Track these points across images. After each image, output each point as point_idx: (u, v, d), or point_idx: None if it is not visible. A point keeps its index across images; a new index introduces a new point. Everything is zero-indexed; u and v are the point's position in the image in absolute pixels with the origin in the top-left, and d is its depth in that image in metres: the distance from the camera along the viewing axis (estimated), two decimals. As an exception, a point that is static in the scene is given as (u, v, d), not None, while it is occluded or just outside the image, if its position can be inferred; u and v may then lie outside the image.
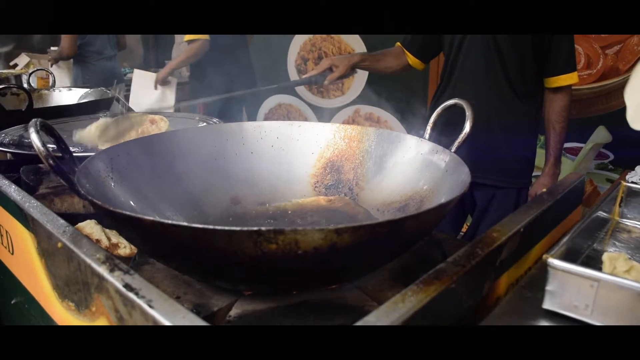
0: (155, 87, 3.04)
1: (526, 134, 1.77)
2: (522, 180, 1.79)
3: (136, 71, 3.18)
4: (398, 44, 1.91)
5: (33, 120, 0.72)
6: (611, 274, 0.65)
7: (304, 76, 1.81)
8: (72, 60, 3.33)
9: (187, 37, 2.93)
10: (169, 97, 3.08)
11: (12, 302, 0.94)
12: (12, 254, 0.89)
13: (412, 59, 1.89)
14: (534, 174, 1.83)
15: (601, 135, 2.37)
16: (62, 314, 0.73)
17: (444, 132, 1.07)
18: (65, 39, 3.10)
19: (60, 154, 0.82)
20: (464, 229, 2.04)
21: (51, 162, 0.69)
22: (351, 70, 1.78)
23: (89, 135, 1.25)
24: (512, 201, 1.77)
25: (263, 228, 0.57)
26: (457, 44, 1.71)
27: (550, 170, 1.74)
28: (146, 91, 3.06)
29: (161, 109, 2.93)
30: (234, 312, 0.73)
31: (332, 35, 3.63)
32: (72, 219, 1.00)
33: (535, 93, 1.72)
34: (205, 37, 2.94)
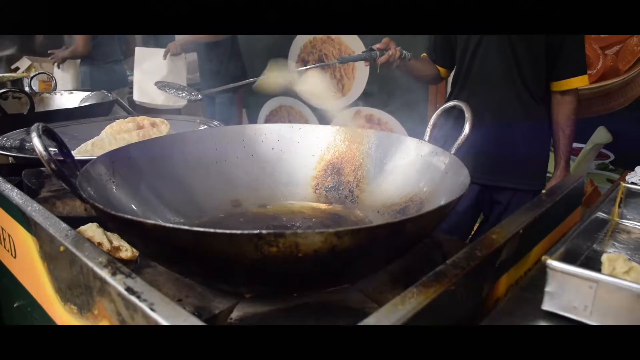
0: (165, 56, 2.84)
1: (543, 136, 1.78)
2: (539, 182, 1.80)
3: (138, 49, 2.95)
4: (424, 55, 1.93)
5: (35, 124, 0.72)
6: (610, 275, 0.66)
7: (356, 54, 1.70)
8: (78, 62, 3.33)
9: None
10: (182, 71, 2.87)
11: (15, 305, 0.94)
12: (15, 257, 0.89)
13: (439, 68, 1.91)
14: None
15: (601, 135, 2.37)
16: (65, 317, 0.73)
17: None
18: (80, 37, 3.09)
19: (62, 158, 0.82)
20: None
21: (53, 166, 0.69)
22: (400, 55, 1.67)
23: (85, 152, 1.24)
24: None
25: (264, 231, 0.57)
26: (472, 48, 1.72)
27: (561, 173, 1.76)
28: (154, 66, 2.84)
29: (174, 86, 2.83)
30: (235, 314, 0.73)
31: (332, 37, 3.63)
32: (74, 222, 1.00)
33: (547, 96, 1.73)
34: None
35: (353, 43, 3.55)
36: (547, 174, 1.85)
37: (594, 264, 0.74)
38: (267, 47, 3.83)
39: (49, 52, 3.21)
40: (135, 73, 2.88)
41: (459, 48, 1.77)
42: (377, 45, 1.61)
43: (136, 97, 2.83)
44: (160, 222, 0.59)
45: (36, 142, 0.69)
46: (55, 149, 0.83)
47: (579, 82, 1.67)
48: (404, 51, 1.66)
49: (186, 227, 0.59)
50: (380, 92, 3.40)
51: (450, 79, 1.97)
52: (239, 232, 0.57)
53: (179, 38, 2.90)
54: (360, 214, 1.04)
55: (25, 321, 0.93)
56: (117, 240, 0.96)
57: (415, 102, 3.18)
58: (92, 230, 1.00)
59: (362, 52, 1.62)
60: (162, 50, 2.84)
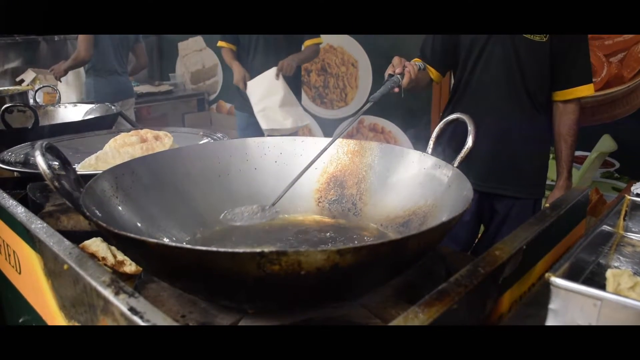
0: (277, 76, 2.61)
1: (543, 144, 1.78)
2: (539, 190, 1.80)
3: (250, 83, 2.68)
4: (416, 59, 1.83)
5: (38, 143, 0.73)
6: (615, 291, 0.65)
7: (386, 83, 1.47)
8: (83, 74, 3.35)
9: (306, 42, 2.81)
10: (293, 95, 2.67)
11: (20, 321, 0.95)
12: (20, 273, 0.89)
13: (433, 73, 1.84)
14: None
15: (606, 143, 2.36)
16: (68, 335, 0.73)
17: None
18: (82, 42, 3.07)
19: (65, 173, 0.82)
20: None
21: (56, 184, 0.70)
22: (417, 69, 1.56)
23: (90, 166, 1.25)
24: (529, 212, 1.78)
25: (266, 250, 0.57)
26: (475, 55, 1.71)
27: (564, 183, 1.75)
28: (269, 90, 2.62)
29: (297, 118, 2.63)
30: (238, 330, 0.73)
31: (335, 47, 3.65)
32: (79, 236, 1.01)
33: (549, 104, 1.73)
34: (319, 40, 2.81)
35: (355, 52, 3.57)
36: (550, 182, 1.85)
37: (598, 279, 0.74)
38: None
39: (49, 70, 3.21)
40: (255, 105, 2.69)
41: (461, 55, 1.76)
42: (395, 71, 1.48)
43: (264, 126, 2.66)
44: (163, 241, 0.60)
45: (40, 161, 0.69)
46: (58, 162, 0.83)
47: (585, 91, 1.66)
48: (416, 63, 1.57)
49: (188, 246, 0.59)
50: (383, 100, 3.41)
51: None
52: (241, 250, 0.58)
53: (291, 57, 2.72)
54: (363, 226, 1.04)
55: (30, 337, 0.93)
56: (121, 255, 0.96)
57: (419, 111, 3.19)
58: (96, 244, 1.00)
59: (385, 82, 1.46)
60: (269, 73, 2.64)
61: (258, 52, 2.77)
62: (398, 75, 1.46)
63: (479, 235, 1.99)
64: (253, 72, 2.73)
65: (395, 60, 1.52)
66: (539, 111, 1.71)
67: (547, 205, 1.83)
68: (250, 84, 2.68)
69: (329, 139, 1.15)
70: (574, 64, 1.64)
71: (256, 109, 2.67)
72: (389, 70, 1.50)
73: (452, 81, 1.93)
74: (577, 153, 2.47)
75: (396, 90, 1.45)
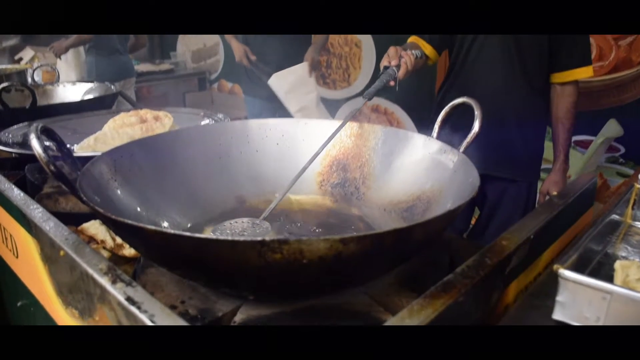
0: (310, 73, 2.49)
1: (538, 127, 1.75)
2: (533, 173, 1.78)
3: (274, 76, 2.45)
4: (413, 37, 1.78)
5: (34, 125, 0.71)
6: (623, 282, 0.64)
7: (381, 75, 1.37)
8: (83, 53, 3.30)
9: None
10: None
11: (19, 304, 0.94)
12: (17, 257, 0.88)
13: (429, 49, 1.74)
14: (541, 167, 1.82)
15: (612, 128, 2.33)
16: (67, 320, 0.72)
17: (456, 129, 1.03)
18: None
19: (61, 155, 0.81)
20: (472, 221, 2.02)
21: (52, 168, 0.68)
22: (414, 58, 1.49)
23: (88, 147, 1.23)
24: (524, 195, 1.76)
25: (267, 238, 0.56)
26: (471, 35, 1.67)
27: (561, 166, 1.73)
28: (301, 87, 2.47)
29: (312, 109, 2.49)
30: (238, 317, 0.72)
31: (339, 26, 3.60)
32: (78, 218, 1.00)
33: (546, 87, 1.69)
34: None
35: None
36: (546, 166, 1.82)
37: (605, 269, 0.72)
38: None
39: (49, 47, 3.15)
40: (287, 102, 2.48)
41: (459, 35, 1.72)
42: (390, 62, 1.39)
43: None
44: (161, 229, 0.58)
45: (35, 144, 0.67)
46: (53, 142, 0.81)
47: (583, 73, 1.62)
48: (413, 51, 1.49)
49: (188, 234, 0.57)
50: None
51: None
52: (241, 239, 0.56)
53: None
54: (367, 211, 1.02)
55: (29, 320, 0.92)
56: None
57: (422, 92, 3.15)
58: (95, 227, 0.99)
59: (380, 75, 1.37)
60: (299, 69, 2.48)
61: (269, 38, 2.67)
62: (394, 68, 1.38)
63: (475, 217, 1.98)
64: (266, 58, 2.63)
65: (391, 50, 1.44)
66: (536, 94, 1.68)
67: (542, 189, 1.80)
68: (275, 76, 2.50)
69: (332, 121, 1.12)
70: (572, 45, 1.61)
71: (292, 107, 2.50)
72: (384, 62, 1.42)
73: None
74: (583, 137, 2.45)
75: (391, 83, 1.37)
